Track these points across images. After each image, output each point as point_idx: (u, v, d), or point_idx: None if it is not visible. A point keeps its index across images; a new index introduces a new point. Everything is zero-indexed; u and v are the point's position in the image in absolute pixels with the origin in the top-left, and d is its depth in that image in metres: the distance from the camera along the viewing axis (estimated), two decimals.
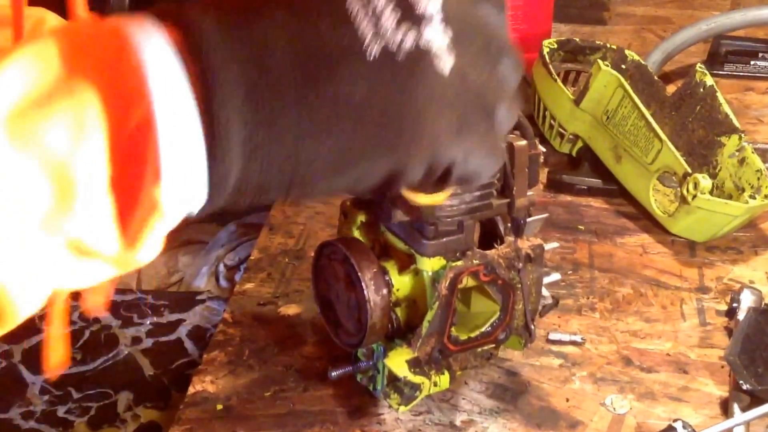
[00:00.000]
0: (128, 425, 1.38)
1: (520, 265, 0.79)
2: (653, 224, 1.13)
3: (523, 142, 0.79)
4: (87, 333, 1.55)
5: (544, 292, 0.85)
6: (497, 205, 0.79)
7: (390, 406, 0.82)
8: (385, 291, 0.78)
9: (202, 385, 0.91)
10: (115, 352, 1.51)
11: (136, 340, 1.54)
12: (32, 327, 1.60)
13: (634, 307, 1.01)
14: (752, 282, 1.04)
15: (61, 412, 1.40)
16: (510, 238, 0.80)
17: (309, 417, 0.87)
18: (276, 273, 1.06)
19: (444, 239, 0.77)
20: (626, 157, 1.16)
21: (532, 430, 0.86)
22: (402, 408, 0.80)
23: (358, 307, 0.78)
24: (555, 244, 0.89)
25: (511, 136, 0.79)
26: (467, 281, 0.78)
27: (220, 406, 0.88)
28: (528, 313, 0.81)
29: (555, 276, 0.87)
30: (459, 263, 0.77)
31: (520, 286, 0.80)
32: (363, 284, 0.77)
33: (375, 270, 0.78)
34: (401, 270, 0.80)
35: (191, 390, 0.90)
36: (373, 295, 0.78)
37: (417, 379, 0.79)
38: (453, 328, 0.79)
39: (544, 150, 0.81)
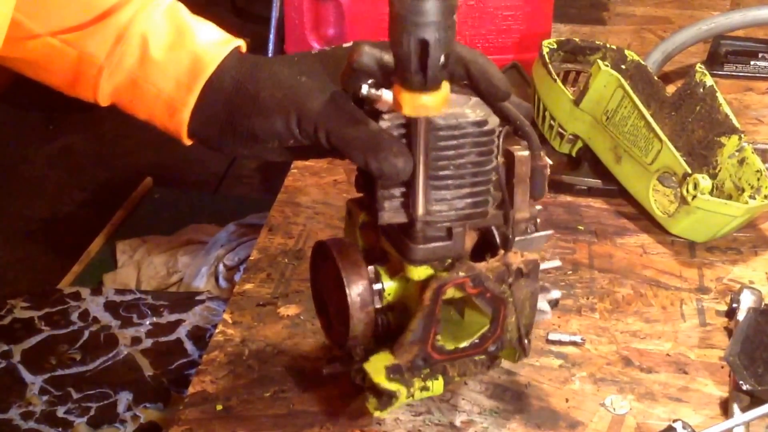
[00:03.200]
0: (128, 425, 1.38)
1: (511, 279, 0.76)
2: (653, 224, 1.13)
3: (525, 152, 0.76)
4: (86, 333, 1.54)
5: (545, 306, 0.83)
6: (493, 215, 0.77)
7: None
8: (370, 308, 0.76)
9: (202, 385, 0.91)
10: (114, 353, 1.51)
11: (135, 341, 1.53)
12: (32, 327, 1.60)
13: (634, 308, 1.01)
14: (752, 282, 1.04)
15: (60, 412, 1.40)
16: (502, 252, 0.77)
17: (309, 417, 0.87)
18: (275, 273, 1.06)
19: (431, 245, 0.75)
20: (626, 158, 1.16)
21: (532, 431, 0.86)
22: (377, 413, 0.78)
23: (344, 312, 0.77)
24: (557, 263, 0.86)
25: (515, 146, 0.76)
26: (455, 292, 0.76)
27: (219, 407, 0.88)
28: (522, 328, 0.78)
29: (555, 293, 0.84)
30: (444, 274, 0.74)
31: (511, 300, 0.77)
32: (349, 300, 0.76)
33: (363, 284, 0.76)
34: (393, 275, 0.79)
35: (191, 390, 0.90)
36: (357, 312, 0.76)
37: (393, 386, 0.77)
38: (442, 337, 0.77)
39: (551, 162, 0.77)
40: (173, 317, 1.60)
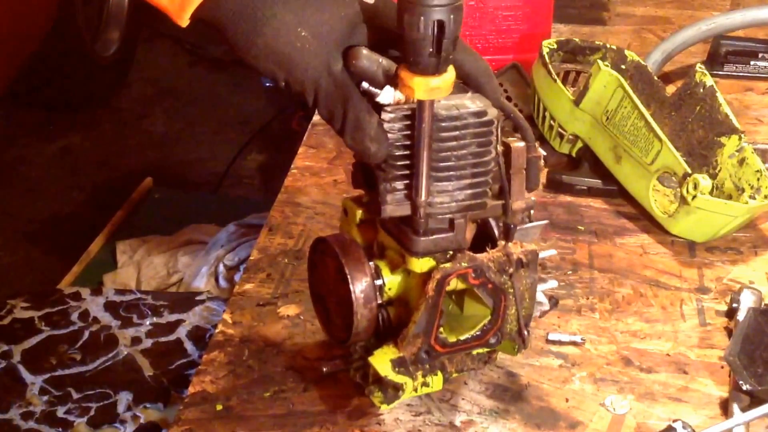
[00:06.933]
0: (128, 425, 1.38)
1: (512, 269, 0.77)
2: (653, 224, 1.13)
3: (521, 144, 0.78)
4: (86, 333, 1.55)
5: (542, 298, 0.84)
6: (492, 206, 0.78)
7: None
8: (373, 304, 0.78)
9: (201, 385, 0.91)
10: (114, 353, 1.51)
11: (135, 341, 1.54)
12: (32, 327, 1.60)
13: (634, 308, 1.01)
14: (752, 282, 1.04)
15: (60, 412, 1.40)
16: (502, 242, 0.79)
17: (309, 417, 0.87)
18: (275, 273, 1.06)
19: (434, 236, 0.76)
20: (626, 158, 1.16)
21: (532, 430, 0.86)
22: (384, 407, 0.80)
23: (346, 308, 0.78)
24: (552, 252, 0.87)
25: (510, 138, 0.78)
26: (457, 283, 0.77)
27: (219, 407, 0.88)
28: (521, 319, 0.80)
29: (552, 283, 0.85)
30: (447, 265, 0.76)
31: (512, 290, 0.78)
32: (353, 296, 0.77)
33: (367, 280, 0.77)
34: (393, 269, 0.80)
35: (191, 390, 0.90)
36: (361, 308, 0.77)
37: (399, 378, 0.78)
38: (442, 330, 0.78)
39: (544, 153, 0.80)
40: (173, 317, 1.60)
